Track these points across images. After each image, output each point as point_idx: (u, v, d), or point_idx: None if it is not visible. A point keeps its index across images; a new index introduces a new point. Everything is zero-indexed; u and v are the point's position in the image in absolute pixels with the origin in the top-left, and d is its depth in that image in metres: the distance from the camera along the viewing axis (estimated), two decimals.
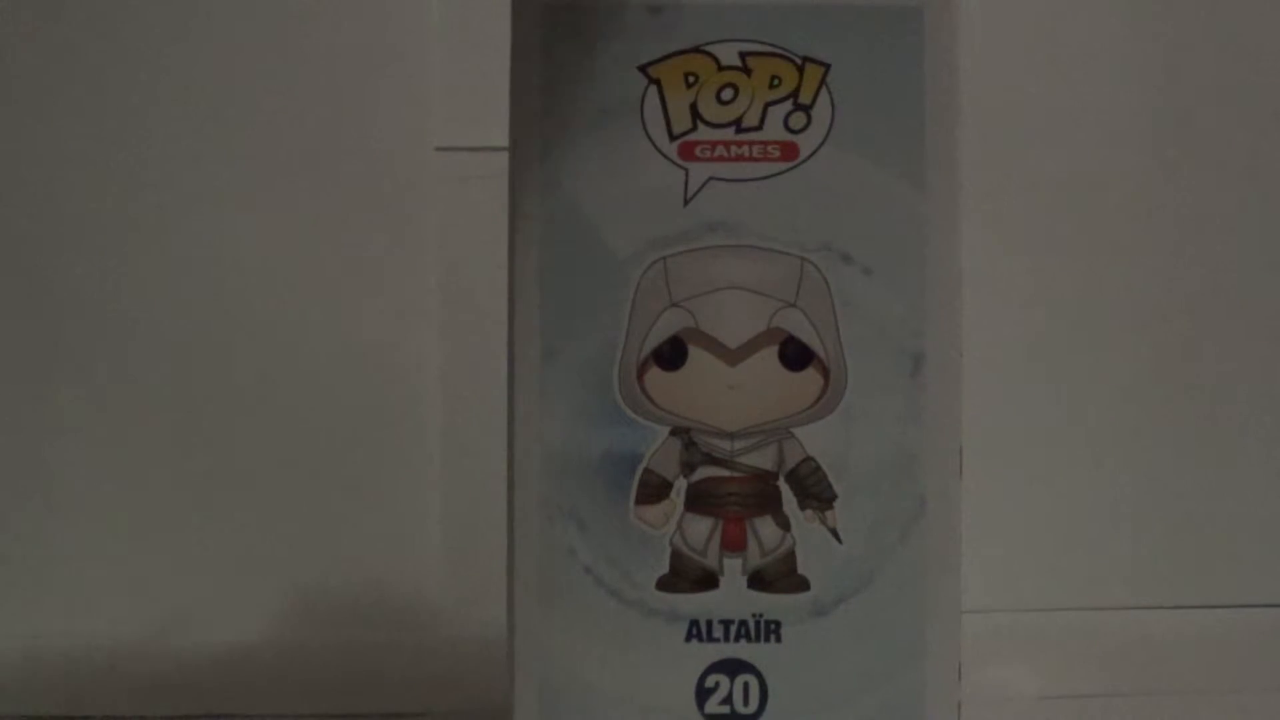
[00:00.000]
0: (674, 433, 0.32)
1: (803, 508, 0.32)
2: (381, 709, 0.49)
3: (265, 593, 0.55)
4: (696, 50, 0.32)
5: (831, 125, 0.33)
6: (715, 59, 0.33)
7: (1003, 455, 0.56)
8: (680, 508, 0.32)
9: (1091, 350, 0.59)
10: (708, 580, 0.32)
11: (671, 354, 0.32)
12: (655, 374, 0.32)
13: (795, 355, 0.33)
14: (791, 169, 0.33)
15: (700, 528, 0.32)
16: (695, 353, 0.32)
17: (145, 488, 0.56)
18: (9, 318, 0.56)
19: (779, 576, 0.32)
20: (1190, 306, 0.59)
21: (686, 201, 0.32)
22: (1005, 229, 0.57)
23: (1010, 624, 0.56)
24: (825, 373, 0.33)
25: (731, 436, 0.33)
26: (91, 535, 0.56)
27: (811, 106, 0.33)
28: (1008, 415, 0.57)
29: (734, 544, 0.32)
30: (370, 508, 0.56)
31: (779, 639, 0.32)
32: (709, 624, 0.32)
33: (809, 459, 0.32)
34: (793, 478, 0.32)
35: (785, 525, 0.32)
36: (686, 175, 0.32)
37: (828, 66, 0.33)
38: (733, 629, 0.32)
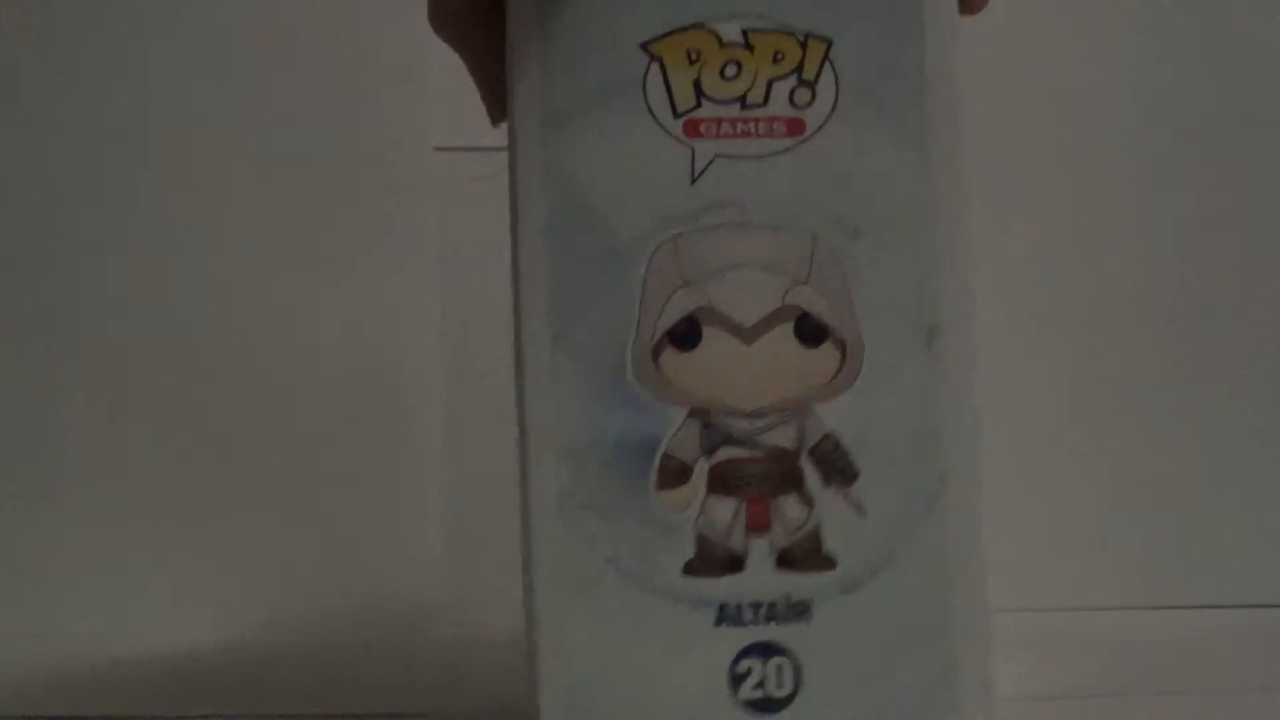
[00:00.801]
0: (692, 414, 0.32)
1: (826, 485, 0.32)
2: (382, 709, 0.48)
3: (266, 593, 0.54)
4: (697, 27, 0.32)
5: (836, 101, 0.32)
6: (717, 36, 0.32)
7: (1002, 457, 0.55)
8: (702, 491, 0.32)
9: (1090, 351, 0.59)
10: (734, 563, 0.32)
11: (686, 334, 0.32)
12: (671, 355, 0.32)
13: (811, 331, 0.32)
14: (798, 145, 0.32)
15: (723, 510, 0.32)
16: (710, 332, 0.32)
17: (146, 488, 0.56)
18: (11, 320, 0.56)
19: (805, 555, 0.32)
20: (1190, 307, 0.59)
21: (694, 180, 0.32)
22: (1005, 225, 0.57)
23: (1010, 624, 0.55)
24: (842, 348, 0.32)
25: (750, 416, 0.32)
26: (92, 535, 0.55)
27: (815, 82, 0.32)
28: (1007, 416, 0.57)
29: (759, 524, 0.32)
30: (370, 508, 0.55)
31: (809, 618, 0.31)
32: (738, 607, 0.31)
33: (829, 435, 0.32)
34: (814, 455, 0.32)
35: (809, 503, 0.32)
36: (692, 153, 0.32)
37: (830, 42, 0.32)
38: (762, 611, 0.31)
